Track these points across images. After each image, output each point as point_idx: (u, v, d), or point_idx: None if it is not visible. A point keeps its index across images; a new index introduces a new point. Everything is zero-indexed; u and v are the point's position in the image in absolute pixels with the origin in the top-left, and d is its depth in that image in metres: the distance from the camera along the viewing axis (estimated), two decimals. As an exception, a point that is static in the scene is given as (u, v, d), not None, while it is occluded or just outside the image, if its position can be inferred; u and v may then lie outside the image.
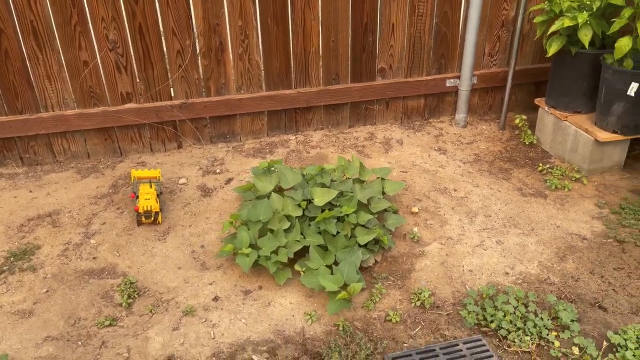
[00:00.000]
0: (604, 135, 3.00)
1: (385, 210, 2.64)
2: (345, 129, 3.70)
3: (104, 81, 3.15)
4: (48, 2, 2.88)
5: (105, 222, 2.78)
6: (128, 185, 3.07)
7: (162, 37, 3.13)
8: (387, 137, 3.60)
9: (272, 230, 2.44)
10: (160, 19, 3.08)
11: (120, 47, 3.08)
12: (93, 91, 3.16)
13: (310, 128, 3.65)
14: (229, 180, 3.14)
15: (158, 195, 2.82)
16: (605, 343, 2.01)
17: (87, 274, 2.46)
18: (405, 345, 2.08)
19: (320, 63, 3.43)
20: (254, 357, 2.01)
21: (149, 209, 2.68)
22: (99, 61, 3.09)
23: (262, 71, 3.37)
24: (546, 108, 3.38)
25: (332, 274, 2.25)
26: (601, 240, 2.62)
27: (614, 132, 3.00)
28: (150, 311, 2.25)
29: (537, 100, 3.50)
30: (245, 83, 3.38)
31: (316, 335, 2.12)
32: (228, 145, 3.51)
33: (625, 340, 1.97)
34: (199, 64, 3.26)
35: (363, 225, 2.49)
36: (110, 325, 2.19)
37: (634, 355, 1.89)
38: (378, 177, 2.82)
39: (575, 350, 1.99)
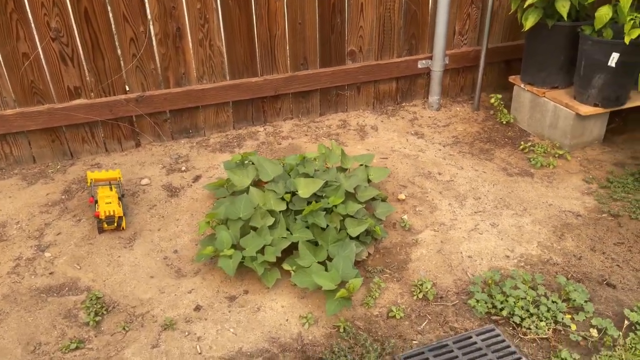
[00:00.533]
0: (586, 109, 2.93)
1: (374, 198, 2.46)
2: (316, 118, 3.49)
3: (48, 75, 2.81)
4: (-24, -15, 2.52)
5: (61, 232, 2.46)
6: (84, 189, 2.75)
7: (112, 24, 2.82)
8: (361, 124, 3.43)
9: (254, 228, 2.20)
10: (108, 3, 2.77)
11: (65, 35, 2.75)
12: (36, 87, 2.81)
13: (279, 118, 3.42)
14: (196, 178, 2.87)
15: (120, 199, 2.52)
16: (625, 322, 1.90)
17: (44, 292, 2.15)
18: (414, 342, 1.90)
19: (287, 47, 3.21)
20: (249, 371, 1.78)
21: (111, 213, 2.38)
22: (40, 53, 2.75)
23: (225, 58, 3.11)
24: (522, 85, 3.29)
25: (326, 270, 2.04)
26: (595, 216, 2.54)
27: (595, 105, 2.93)
28: (123, 328, 1.97)
29: (511, 78, 3.41)
30: (207, 72, 3.11)
31: (316, 340, 1.91)
32: (191, 140, 3.23)
33: (644, 317, 1.87)
34: (156, 52, 2.96)
35: (352, 216, 2.30)
36: (77, 348, 1.91)
37: (658, 333, 1.79)
38: (361, 165, 2.63)
39: (594, 332, 1.87)
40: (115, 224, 2.43)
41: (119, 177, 2.60)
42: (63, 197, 2.71)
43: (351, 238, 2.23)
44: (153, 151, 3.12)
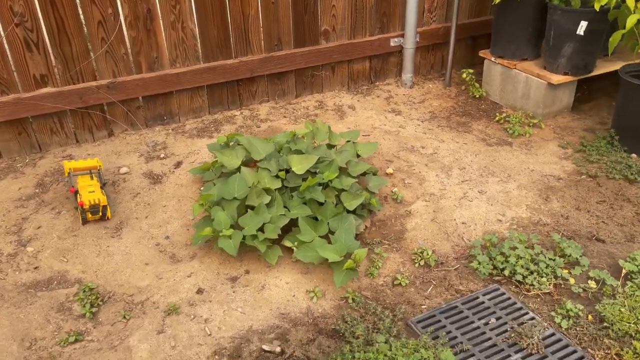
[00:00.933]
0: (557, 78, 3.03)
1: (365, 173, 2.46)
2: (292, 99, 3.46)
3: (12, 63, 2.65)
4: None
5: (41, 225, 2.33)
6: (59, 181, 2.62)
7: (79, 6, 2.68)
8: (338, 104, 3.42)
9: (251, 207, 2.16)
10: (74, -16, 2.63)
11: (29, 20, 2.59)
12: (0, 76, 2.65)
13: (255, 101, 3.36)
14: (178, 164, 2.79)
15: (101, 187, 2.41)
16: (623, 272, 1.98)
17: (31, 287, 2.03)
18: (423, 307, 1.92)
19: (261, 28, 3.15)
20: (264, 347, 1.74)
21: (96, 202, 2.27)
22: (4, 40, 2.58)
23: (199, 41, 3.02)
24: (493, 59, 3.37)
25: (329, 244, 2.03)
26: (575, 178, 2.64)
27: (565, 73, 3.04)
28: (124, 317, 1.90)
29: (482, 52, 3.48)
30: (180, 55, 3.01)
31: (326, 312, 1.89)
32: (167, 127, 3.13)
33: (637, 266, 1.96)
34: (126, 35, 2.84)
35: (346, 190, 2.29)
36: (76, 341, 1.82)
37: (653, 278, 1.88)
38: (348, 141, 2.63)
39: (592, 283, 1.95)
40: (100, 214, 2.32)
41: (100, 166, 2.49)
42: (37, 190, 2.57)
43: (348, 212, 2.22)
44: (127, 140, 3.00)
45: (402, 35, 3.54)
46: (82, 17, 2.71)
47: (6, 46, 2.61)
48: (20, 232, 2.29)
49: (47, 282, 2.06)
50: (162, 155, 2.86)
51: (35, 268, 2.12)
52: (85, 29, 2.75)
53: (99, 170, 2.49)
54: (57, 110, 2.82)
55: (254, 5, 3.07)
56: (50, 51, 2.70)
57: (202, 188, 2.58)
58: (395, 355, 1.58)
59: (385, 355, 1.59)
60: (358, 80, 3.62)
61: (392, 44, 3.55)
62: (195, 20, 2.97)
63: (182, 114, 3.18)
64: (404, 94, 3.56)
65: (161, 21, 2.89)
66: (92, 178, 2.43)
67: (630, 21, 2.49)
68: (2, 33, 2.56)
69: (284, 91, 3.42)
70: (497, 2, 3.05)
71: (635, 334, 1.71)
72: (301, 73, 3.41)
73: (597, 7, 2.61)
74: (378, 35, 3.51)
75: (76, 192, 2.35)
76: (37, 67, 2.70)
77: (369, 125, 3.16)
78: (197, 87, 3.13)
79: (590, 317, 1.82)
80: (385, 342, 1.67)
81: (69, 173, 2.44)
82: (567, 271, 2.00)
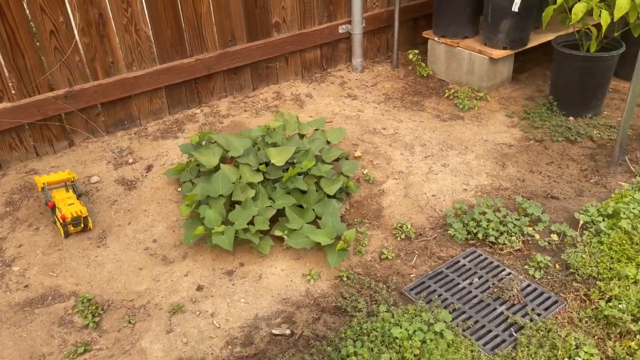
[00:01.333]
0: (497, 53, 3.27)
1: (338, 158, 2.59)
2: (249, 93, 3.52)
3: (-38, 80, 2.56)
4: None
5: (22, 243, 2.30)
6: (29, 197, 2.57)
7: (29, 17, 2.61)
8: (295, 93, 3.51)
9: (238, 202, 2.23)
10: (22, -6, 2.56)
11: (-24, 34, 2.50)
12: (-51, 95, 2.54)
13: (214, 97, 3.40)
14: (148, 168, 2.80)
15: (77, 198, 2.40)
16: (580, 223, 2.24)
17: (26, 305, 2.02)
18: (412, 276, 2.09)
19: (214, 25, 3.18)
20: (274, 331, 1.85)
21: (78, 214, 2.27)
22: (-50, 56, 2.48)
23: (153, 42, 3.02)
24: (436, 38, 3.57)
25: (318, 229, 2.15)
26: (524, 144, 2.89)
27: (504, 48, 3.29)
28: (129, 322, 1.94)
29: (425, 33, 3.67)
30: (136, 59, 3.00)
31: (325, 292, 2.02)
32: (129, 132, 3.12)
33: (590, 217, 2.21)
34: (79, 42, 2.80)
35: (323, 177, 2.41)
36: (85, 351, 1.85)
37: (606, 226, 2.14)
38: (316, 130, 2.74)
39: (555, 237, 2.19)
40: (82, 225, 2.32)
41: (73, 177, 2.47)
42: (8, 209, 2.52)
43: (328, 196, 2.34)
44: (90, 148, 2.97)
45: (349, 22, 3.67)
46: (33, 27, 2.64)
47: (-46, 63, 2.51)
48: (1, 252, 2.26)
49: (41, 298, 2.06)
50: (130, 161, 2.86)
51: (26, 286, 2.11)
52: (37, 39, 2.68)
53: (73, 181, 2.47)
54: (15, 125, 2.74)
55: (206, 3, 3.09)
56: (3, 65, 2.62)
57: (179, 189, 2.62)
58: (399, 321, 1.74)
59: (390, 322, 1.75)
60: (311, 69, 3.73)
61: (340, 30, 3.67)
62: (148, 22, 2.96)
63: (143, 116, 3.17)
64: (356, 79, 3.71)
65: (114, 25, 2.86)
66: (67, 190, 2.42)
67: (560, -3, 2.74)
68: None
69: (241, 85, 3.47)
70: (437, -15, 3.24)
71: (598, 275, 1.96)
72: (256, 66, 3.47)
73: (530, -15, 2.84)
74: (327, 24, 3.62)
75: (54, 206, 2.33)
76: (-11, 82, 2.61)
77: (329, 112, 3.28)
78: (155, 88, 3.12)
79: (557, 266, 2.06)
80: (387, 311, 1.82)
81: (42, 188, 2.41)
82: (531, 228, 2.23)
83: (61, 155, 2.91)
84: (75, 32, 2.76)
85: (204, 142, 2.62)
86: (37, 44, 2.69)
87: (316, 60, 3.72)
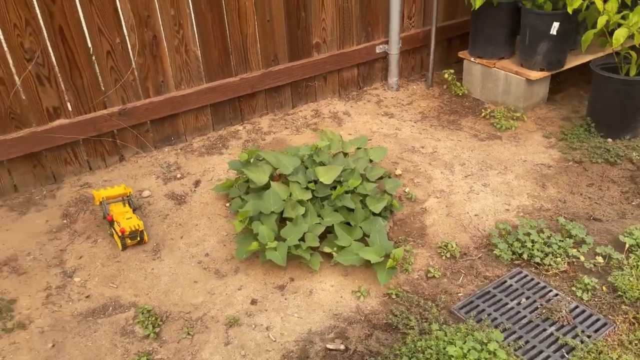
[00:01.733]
0: (535, 74, 3.33)
1: (381, 176, 2.66)
2: (289, 110, 3.62)
3: (25, 98, 2.69)
4: (-58, 11, 2.36)
5: (82, 255, 2.41)
6: (85, 210, 2.69)
7: (88, 38, 2.75)
8: (333, 111, 3.61)
9: (288, 219, 2.32)
10: (82, 17, 2.70)
11: (40, 55, 2.64)
12: (13, 112, 2.68)
13: (255, 115, 3.50)
14: (196, 183, 2.91)
15: (133, 212, 2.51)
16: (625, 246, 2.27)
17: (89, 315, 2.12)
18: (459, 295, 2.14)
19: (259, 45, 3.30)
20: (328, 346, 1.92)
21: (136, 228, 2.38)
22: (15, 77, 2.62)
23: (201, 62, 3.14)
24: (472, 59, 3.64)
25: (367, 247, 2.22)
26: (564, 165, 2.94)
27: (541, 69, 3.34)
28: (188, 333, 2.03)
29: (461, 53, 3.75)
30: (184, 77, 3.12)
31: (375, 309, 2.09)
32: (175, 147, 3.23)
33: (636, 240, 2.25)
34: (134, 63, 2.93)
35: (369, 195, 2.49)
36: (148, 361, 1.94)
37: (651, 249, 2.18)
38: (358, 148, 2.82)
39: (600, 259, 2.23)
40: (138, 238, 2.43)
41: (129, 192, 2.58)
42: (65, 221, 2.63)
43: (374, 214, 2.42)
44: (139, 163, 3.09)
45: (387, 42, 3.76)
46: (91, 48, 2.77)
47: (18, 82, 2.65)
48: (62, 263, 2.37)
49: (103, 308, 2.16)
50: (178, 176, 2.97)
51: (87, 297, 2.21)
52: (94, 59, 2.81)
53: (129, 196, 2.58)
54: (71, 141, 2.87)
55: (251, 24, 3.21)
56: (62, 83, 2.76)
57: (227, 204, 2.71)
58: (453, 339, 1.80)
59: (444, 340, 1.81)
60: (348, 87, 3.82)
61: (377, 50, 3.77)
62: (198, 43, 3.08)
63: (189, 133, 3.28)
64: (392, 97, 3.79)
65: (166, 46, 2.99)
66: (124, 204, 2.53)
67: (601, 21, 2.79)
68: (13, 69, 2.60)
69: (282, 103, 3.58)
70: (475, 8, 3.31)
71: (645, 298, 1.99)
72: (297, 85, 3.57)
73: (570, 10, 2.90)
74: (364, 44, 3.71)
75: (112, 220, 2.44)
76: (49, 100, 2.75)
77: (367, 130, 3.36)
78: (201, 106, 3.24)
79: (604, 288, 2.10)
80: (440, 329, 1.88)
81: (101, 202, 2.52)
82: (576, 250, 2.27)
83: (112, 169, 3.03)
84: (130, 52, 2.89)
85: (252, 160, 2.72)
86: (95, 64, 2.82)
87: (353, 79, 3.81)
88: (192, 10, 2.98)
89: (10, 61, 2.59)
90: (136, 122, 3.03)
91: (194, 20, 3.00)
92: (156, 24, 2.90)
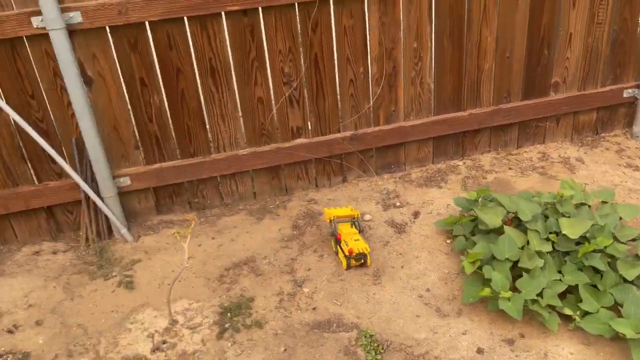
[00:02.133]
0: None
1: (634, 238, 2.35)
2: (513, 150, 3.44)
3: (276, 117, 2.98)
4: (228, 38, 2.73)
5: (310, 267, 2.55)
6: (311, 224, 2.86)
7: (336, 67, 2.95)
8: (563, 156, 3.32)
9: (525, 270, 2.16)
10: (335, 48, 2.90)
11: (295, 79, 2.90)
12: (265, 128, 2.99)
13: (477, 151, 3.40)
14: (415, 214, 2.90)
15: (359, 234, 2.59)
16: None
17: (315, 327, 2.23)
18: None
19: (493, 81, 3.20)
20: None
21: (362, 251, 2.45)
22: (272, 97, 2.92)
23: (433, 94, 3.15)
24: None
25: (619, 317, 1.96)
26: None
27: None
28: (410, 369, 1.99)
29: None
30: (415, 108, 3.16)
31: (626, 392, 1.82)
32: (393, 175, 3.28)
33: None
34: (371, 91, 3.06)
35: (619, 258, 2.20)
36: (370, 387, 1.94)
37: None
38: (602, 202, 2.54)
39: None
40: (362, 261, 2.49)
41: (357, 214, 2.68)
42: (294, 232, 2.83)
43: (625, 281, 2.13)
44: (360, 186, 3.20)
45: (637, 86, 3.36)
46: (337, 75, 2.97)
47: (273, 102, 2.94)
48: (293, 272, 2.54)
49: (327, 323, 2.25)
50: (397, 204, 3.00)
51: (314, 309, 2.32)
52: (337, 86, 3.00)
53: (356, 218, 2.67)
54: (305, 159, 3.10)
55: (489, 60, 3.13)
56: (307, 106, 3.00)
57: (449, 241, 2.65)
58: None
59: None
60: (582, 132, 3.50)
61: (625, 95, 3.39)
62: (433, 75, 3.10)
63: (408, 163, 3.31)
64: (636, 147, 3.36)
65: (403, 77, 3.06)
66: (352, 226, 2.62)
67: None
68: (271, 91, 2.90)
69: (506, 142, 3.41)
70: None
71: None
72: (525, 124, 3.38)
73: None
74: (610, 87, 3.37)
75: (340, 239, 2.55)
76: (295, 120, 3.01)
77: (607, 182, 3.02)
78: (426, 138, 3.25)
79: None
80: None
81: (331, 220, 2.65)
82: None
83: (335, 189, 3.20)
84: (370, 82, 3.03)
85: (480, 199, 2.62)
86: (338, 90, 3.01)
87: (590, 123, 3.48)
88: (433, 43, 3.01)
89: (271, 84, 2.89)
90: (364, 147, 3.15)
91: (433, 54, 3.04)
92: (398, 56, 3.00)
